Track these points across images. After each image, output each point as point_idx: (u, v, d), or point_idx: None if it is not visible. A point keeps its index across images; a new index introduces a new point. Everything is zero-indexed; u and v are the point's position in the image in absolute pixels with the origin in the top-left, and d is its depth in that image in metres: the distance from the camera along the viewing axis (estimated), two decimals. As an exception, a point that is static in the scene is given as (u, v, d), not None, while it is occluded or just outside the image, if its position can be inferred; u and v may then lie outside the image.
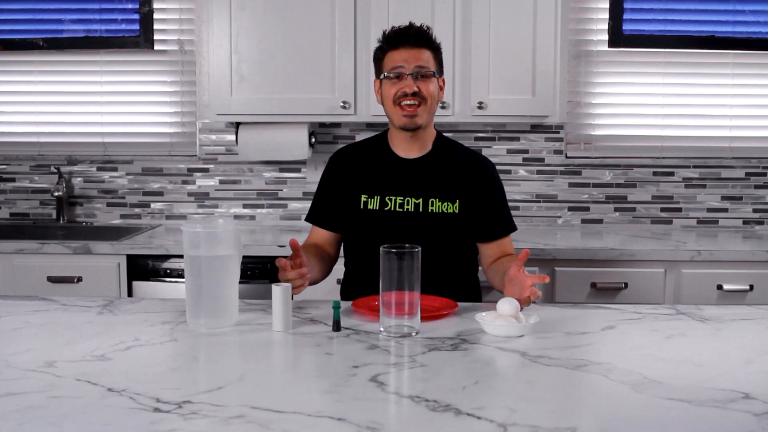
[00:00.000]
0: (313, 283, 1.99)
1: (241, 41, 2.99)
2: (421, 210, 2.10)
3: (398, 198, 2.11)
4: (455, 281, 2.14)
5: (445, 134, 2.24)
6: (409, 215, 2.10)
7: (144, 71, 3.39)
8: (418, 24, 2.09)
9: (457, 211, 2.10)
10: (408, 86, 2.02)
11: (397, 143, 2.16)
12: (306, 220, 2.25)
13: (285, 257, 1.81)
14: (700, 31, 3.32)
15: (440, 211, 2.10)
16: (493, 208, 2.15)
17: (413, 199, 2.10)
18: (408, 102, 2.03)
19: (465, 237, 2.14)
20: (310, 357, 1.53)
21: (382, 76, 2.08)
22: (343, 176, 2.18)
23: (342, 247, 2.25)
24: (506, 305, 1.66)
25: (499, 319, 1.65)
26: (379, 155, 2.18)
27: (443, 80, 2.13)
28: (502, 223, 2.16)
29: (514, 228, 2.19)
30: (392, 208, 2.11)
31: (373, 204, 2.12)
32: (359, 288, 2.10)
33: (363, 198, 2.13)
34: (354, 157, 2.21)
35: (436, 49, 2.09)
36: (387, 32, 2.09)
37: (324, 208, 2.20)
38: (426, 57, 2.05)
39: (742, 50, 3.32)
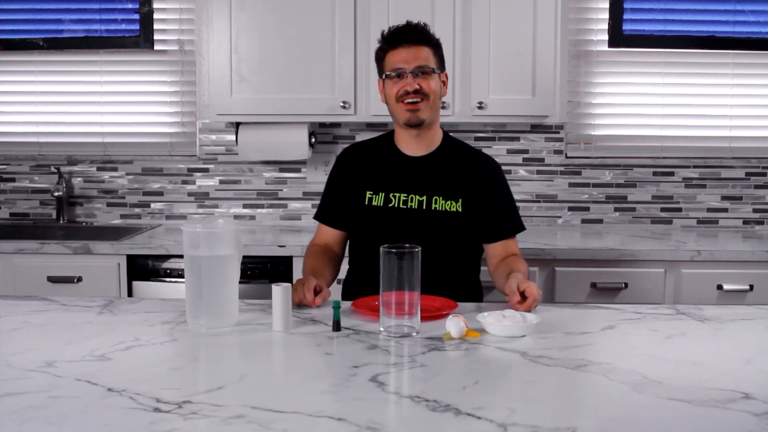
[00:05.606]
0: None
1: (241, 41, 2.98)
2: (424, 207, 2.11)
3: (402, 195, 2.12)
4: (457, 280, 2.14)
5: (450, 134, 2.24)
6: (413, 212, 2.11)
7: (144, 71, 3.39)
8: (415, 22, 2.10)
9: (460, 210, 2.11)
10: (409, 84, 2.05)
11: (404, 142, 2.17)
12: (314, 218, 2.27)
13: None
14: (700, 31, 3.32)
15: (443, 209, 2.10)
16: (496, 208, 2.15)
17: (417, 197, 2.11)
18: (410, 99, 2.05)
19: (468, 236, 2.14)
20: (310, 357, 1.53)
21: (383, 76, 2.11)
22: (350, 173, 2.20)
23: (347, 246, 2.26)
24: (452, 325, 1.61)
25: (499, 319, 1.65)
26: (385, 153, 2.19)
27: (446, 75, 2.15)
28: (505, 223, 2.16)
29: (520, 228, 2.19)
30: (396, 205, 2.12)
31: (378, 200, 2.13)
32: (361, 287, 2.10)
33: (368, 194, 2.15)
34: (361, 154, 2.23)
35: (435, 45, 2.11)
36: (385, 32, 2.11)
37: (331, 207, 2.22)
38: (425, 54, 2.07)
39: (742, 50, 3.32)
